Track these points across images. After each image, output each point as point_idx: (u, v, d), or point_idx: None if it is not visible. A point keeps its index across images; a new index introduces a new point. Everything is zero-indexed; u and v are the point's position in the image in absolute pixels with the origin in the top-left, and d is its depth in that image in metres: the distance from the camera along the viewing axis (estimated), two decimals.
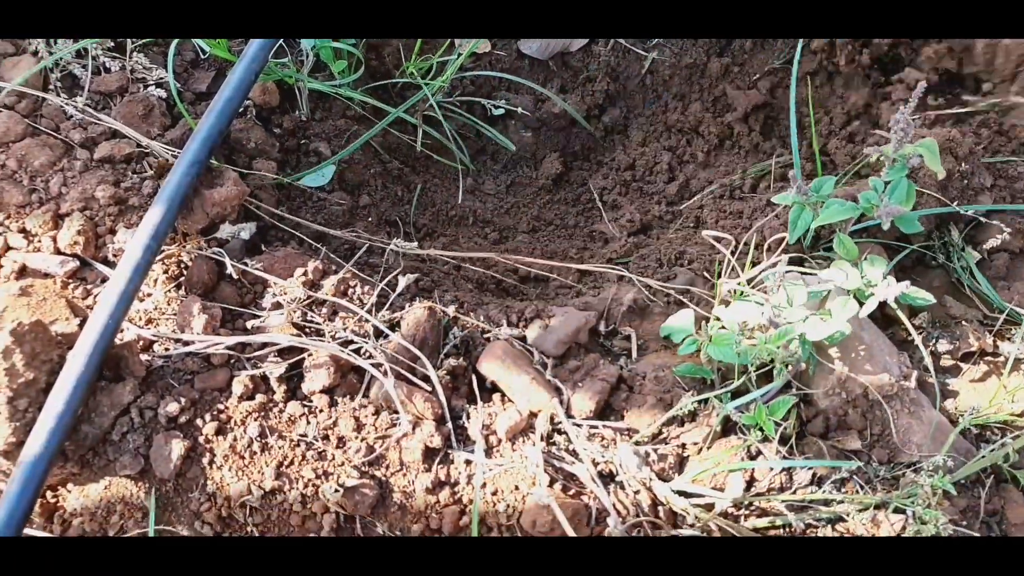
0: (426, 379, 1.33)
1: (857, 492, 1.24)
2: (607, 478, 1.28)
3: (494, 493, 1.26)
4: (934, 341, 1.44)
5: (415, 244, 1.58)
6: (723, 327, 1.34)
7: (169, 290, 1.39)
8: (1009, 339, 1.43)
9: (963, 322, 1.45)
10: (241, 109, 1.67)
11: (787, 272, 1.41)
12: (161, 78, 1.66)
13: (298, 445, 1.27)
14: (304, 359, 1.33)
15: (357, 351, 1.35)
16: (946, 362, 1.44)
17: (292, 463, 1.26)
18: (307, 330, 1.39)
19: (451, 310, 1.46)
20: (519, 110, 2.13)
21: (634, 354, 1.46)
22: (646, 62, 2.15)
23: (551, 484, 1.26)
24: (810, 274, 1.43)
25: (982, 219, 1.48)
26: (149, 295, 1.40)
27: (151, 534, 1.25)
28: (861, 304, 1.31)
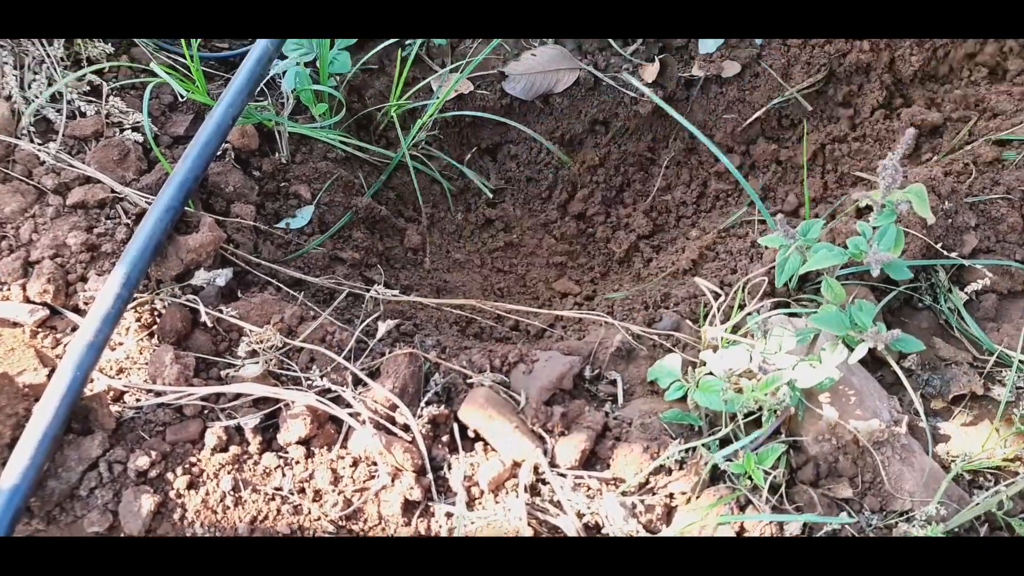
0: (406, 428, 1.30)
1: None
2: (593, 530, 1.24)
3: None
4: (924, 384, 1.42)
5: (395, 292, 1.55)
6: (710, 373, 1.32)
7: (141, 339, 1.36)
8: (1000, 382, 1.41)
9: (953, 364, 1.43)
10: (219, 152, 1.65)
11: (773, 316, 1.39)
12: (137, 122, 1.63)
13: (273, 499, 1.23)
14: (280, 409, 1.30)
15: (335, 400, 1.32)
16: (936, 405, 1.42)
17: (267, 518, 1.21)
18: (283, 379, 1.35)
19: (432, 355, 1.43)
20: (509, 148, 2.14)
21: (620, 399, 1.43)
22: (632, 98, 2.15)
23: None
24: (797, 317, 1.41)
25: (966, 262, 1.47)
26: (120, 344, 1.36)
27: None
28: (850, 349, 1.29)
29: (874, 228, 1.29)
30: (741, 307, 1.44)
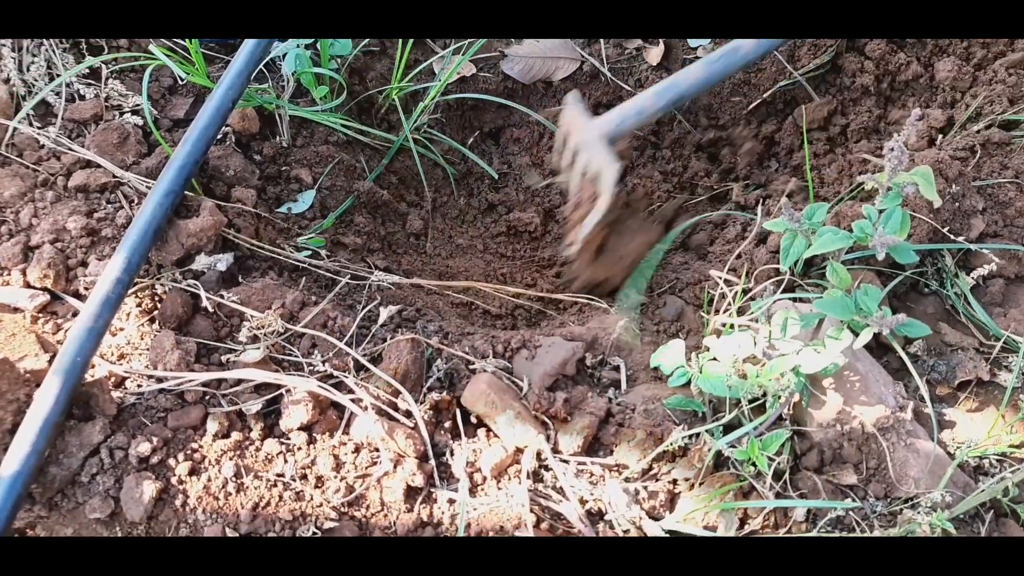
0: (408, 414, 1.29)
1: (854, 530, 1.20)
2: (596, 517, 1.24)
3: (479, 534, 1.22)
4: (929, 370, 1.41)
5: (397, 277, 1.54)
6: (714, 358, 1.31)
7: (142, 324, 1.35)
8: (1007, 368, 1.39)
9: (959, 350, 1.42)
10: (220, 136, 1.64)
11: (779, 300, 1.38)
12: (137, 105, 1.62)
13: (275, 485, 1.22)
14: (282, 395, 1.29)
15: (337, 386, 1.31)
16: (942, 391, 1.41)
17: (268, 504, 1.21)
18: (285, 364, 1.35)
19: (434, 341, 1.42)
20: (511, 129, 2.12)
21: (623, 385, 1.42)
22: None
23: (537, 524, 1.21)
24: (803, 301, 1.39)
25: (973, 246, 1.45)
26: (121, 329, 1.35)
27: None
28: (855, 334, 1.28)
29: (880, 211, 1.27)
30: (746, 292, 1.42)
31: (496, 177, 2.13)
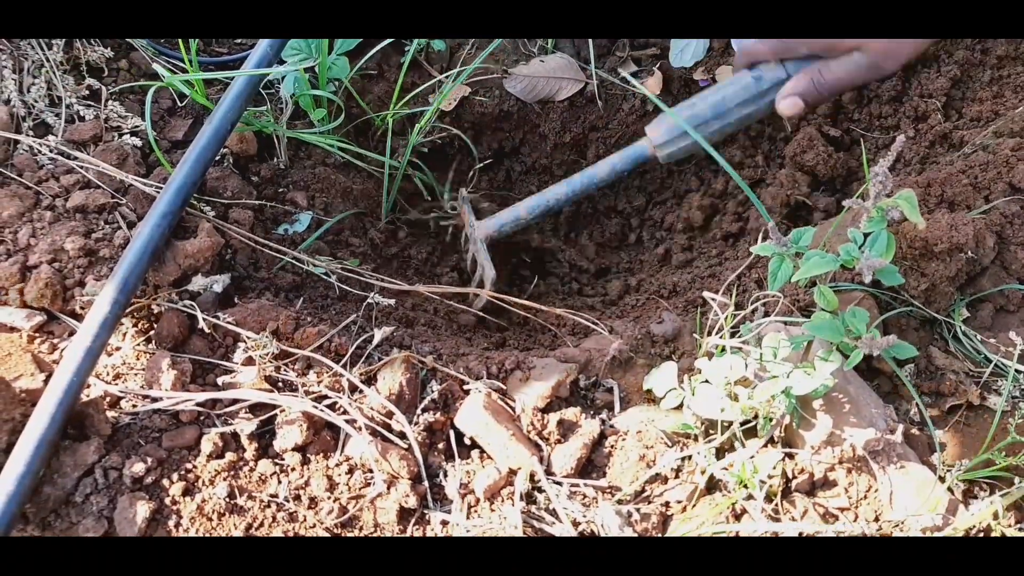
0: (402, 435, 1.30)
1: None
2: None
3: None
4: (920, 393, 1.42)
5: (392, 302, 1.55)
6: (706, 381, 1.32)
7: (138, 344, 1.36)
8: (996, 391, 1.41)
9: (949, 374, 1.43)
10: (218, 157, 1.66)
11: (769, 323, 1.39)
12: (136, 126, 1.64)
13: (268, 506, 1.23)
14: (276, 415, 1.30)
15: (331, 406, 1.32)
16: (932, 414, 1.42)
17: (262, 525, 1.21)
18: (280, 385, 1.35)
19: (429, 360, 1.43)
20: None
21: (616, 407, 1.43)
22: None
23: None
24: (794, 324, 1.41)
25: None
26: (118, 349, 1.36)
27: None
28: (845, 356, 1.29)
29: (865, 235, 1.29)
30: (735, 315, 1.44)
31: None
